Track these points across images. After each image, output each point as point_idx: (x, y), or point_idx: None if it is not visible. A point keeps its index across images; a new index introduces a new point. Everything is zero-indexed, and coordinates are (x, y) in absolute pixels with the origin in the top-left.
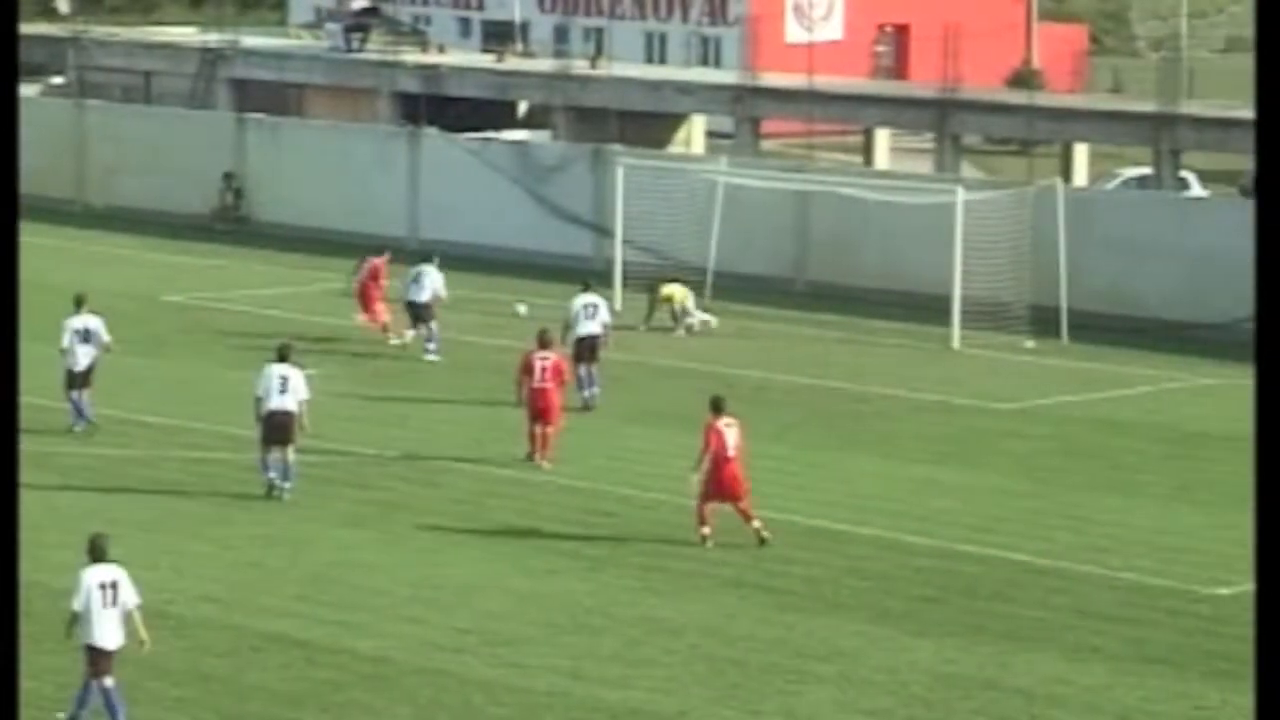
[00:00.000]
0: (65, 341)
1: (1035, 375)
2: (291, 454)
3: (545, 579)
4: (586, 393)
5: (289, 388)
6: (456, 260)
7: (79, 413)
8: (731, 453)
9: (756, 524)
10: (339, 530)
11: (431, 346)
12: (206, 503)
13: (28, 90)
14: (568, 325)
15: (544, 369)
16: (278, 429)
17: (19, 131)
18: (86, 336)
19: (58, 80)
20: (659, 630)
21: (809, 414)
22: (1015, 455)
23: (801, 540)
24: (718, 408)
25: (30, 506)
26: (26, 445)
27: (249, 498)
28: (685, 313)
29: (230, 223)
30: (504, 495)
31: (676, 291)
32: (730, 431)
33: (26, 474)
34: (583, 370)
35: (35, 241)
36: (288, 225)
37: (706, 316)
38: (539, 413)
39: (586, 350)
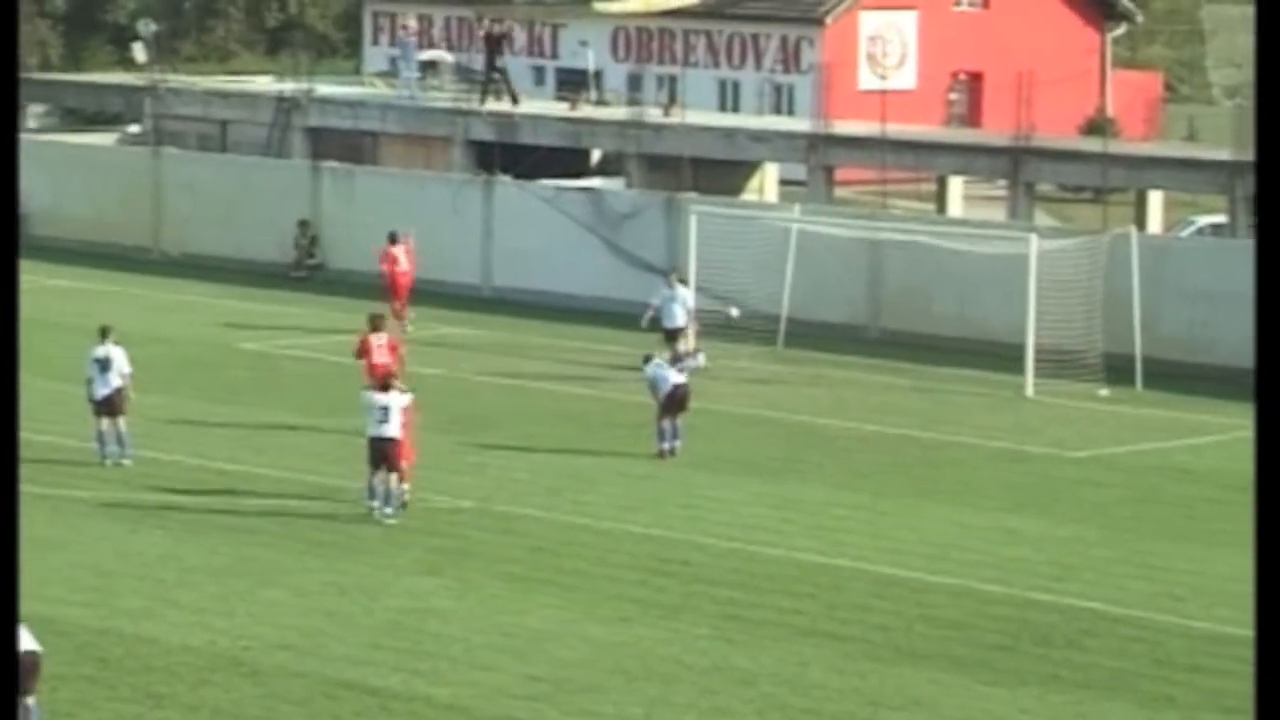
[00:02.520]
0: (89, 372)
1: (1109, 423)
2: (394, 480)
3: (619, 627)
4: (667, 444)
5: (389, 417)
6: (528, 308)
7: (103, 444)
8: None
9: (405, 487)
10: (413, 578)
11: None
12: (281, 550)
13: (104, 139)
14: (654, 384)
15: (379, 346)
16: (381, 455)
17: (18, 131)
18: (106, 365)
19: (134, 129)
20: (733, 679)
21: (883, 462)
22: (1090, 503)
23: (875, 589)
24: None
25: (101, 554)
26: (96, 493)
27: (324, 545)
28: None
29: (305, 270)
30: (578, 543)
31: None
32: (401, 401)
33: (96, 522)
34: (667, 423)
35: (110, 290)
36: (362, 273)
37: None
38: (381, 381)
39: (677, 402)
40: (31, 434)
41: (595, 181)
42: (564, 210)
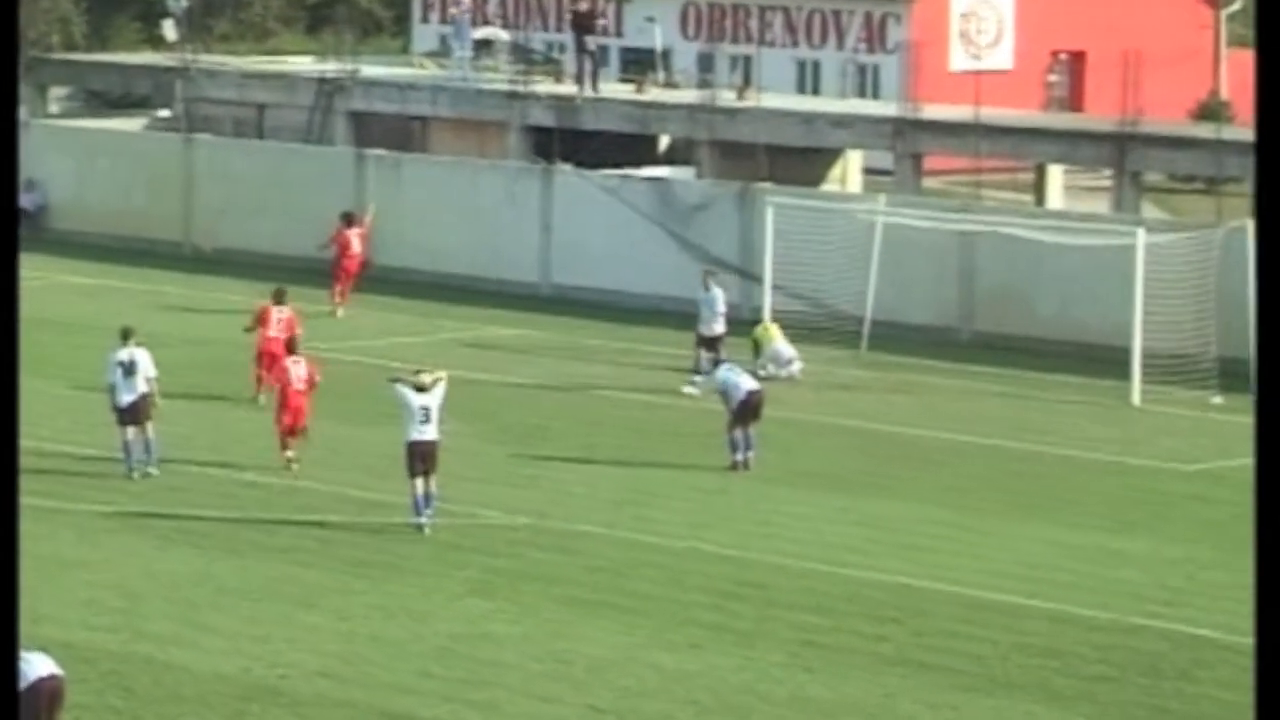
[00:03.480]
0: (111, 376)
1: (1223, 434)
2: (434, 483)
3: (688, 654)
4: (740, 455)
5: (431, 418)
6: (589, 307)
7: (129, 454)
8: (299, 386)
9: (291, 455)
10: (465, 600)
11: (699, 380)
12: (322, 570)
13: (131, 124)
14: (726, 390)
15: (279, 320)
16: (422, 459)
17: (18, 131)
18: (131, 369)
19: (164, 114)
20: (812, 711)
21: (975, 476)
22: (1201, 521)
23: (967, 614)
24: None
25: (128, 573)
26: (121, 508)
27: (368, 564)
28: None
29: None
30: (644, 563)
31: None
32: (296, 368)
33: (122, 538)
34: (739, 433)
35: (136, 288)
36: (410, 269)
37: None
38: (272, 359)
39: (750, 410)
40: (51, 444)
41: (663, 171)
42: (629, 201)
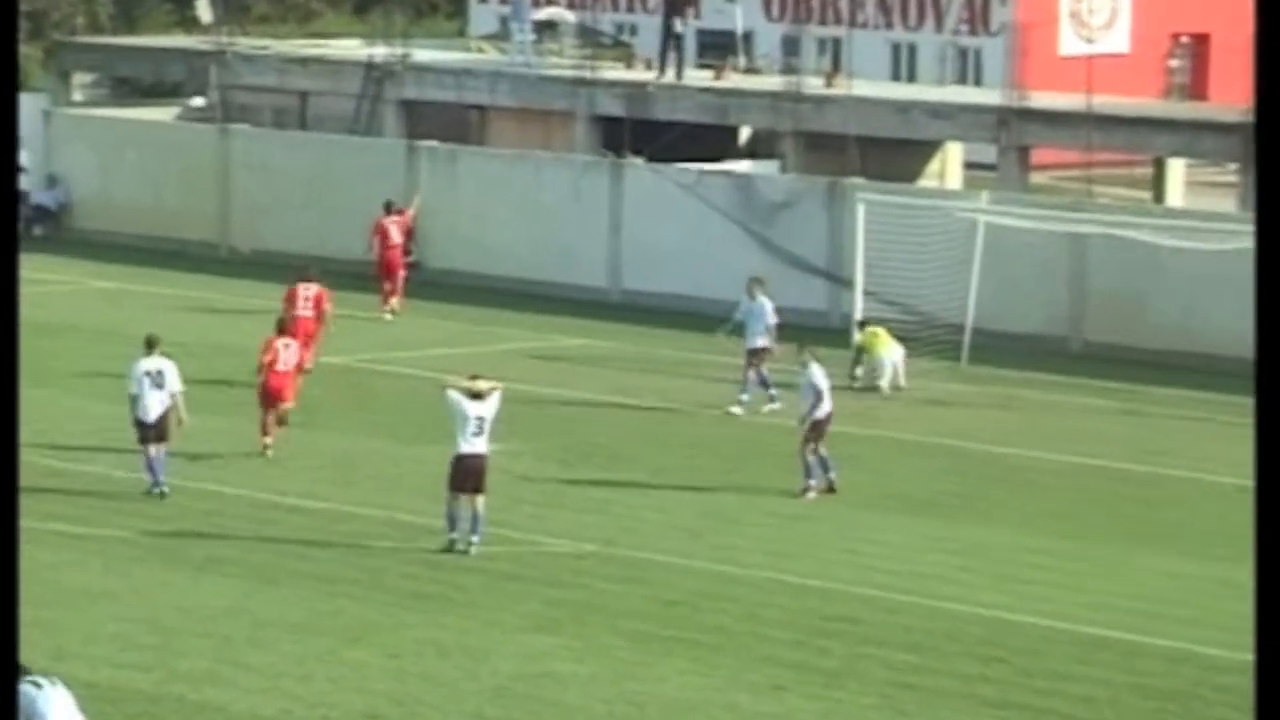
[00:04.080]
0: (134, 388)
1: None
2: (482, 505)
3: (770, 696)
4: (819, 480)
5: (484, 430)
6: (663, 315)
7: (154, 473)
8: (283, 368)
9: (269, 440)
10: (526, 636)
11: (745, 398)
12: (369, 602)
13: (162, 114)
14: (809, 416)
15: (306, 299)
16: (468, 475)
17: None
18: (159, 381)
19: (197, 102)
20: None
21: (1085, 500)
22: None
23: (1077, 652)
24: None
25: (158, 606)
26: (151, 534)
27: (420, 596)
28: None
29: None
30: (721, 595)
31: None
32: (287, 351)
33: (151, 568)
34: (812, 456)
35: (167, 293)
36: (466, 273)
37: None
38: (297, 336)
39: (825, 428)
40: (75, 463)
41: (744, 165)
42: (706, 199)
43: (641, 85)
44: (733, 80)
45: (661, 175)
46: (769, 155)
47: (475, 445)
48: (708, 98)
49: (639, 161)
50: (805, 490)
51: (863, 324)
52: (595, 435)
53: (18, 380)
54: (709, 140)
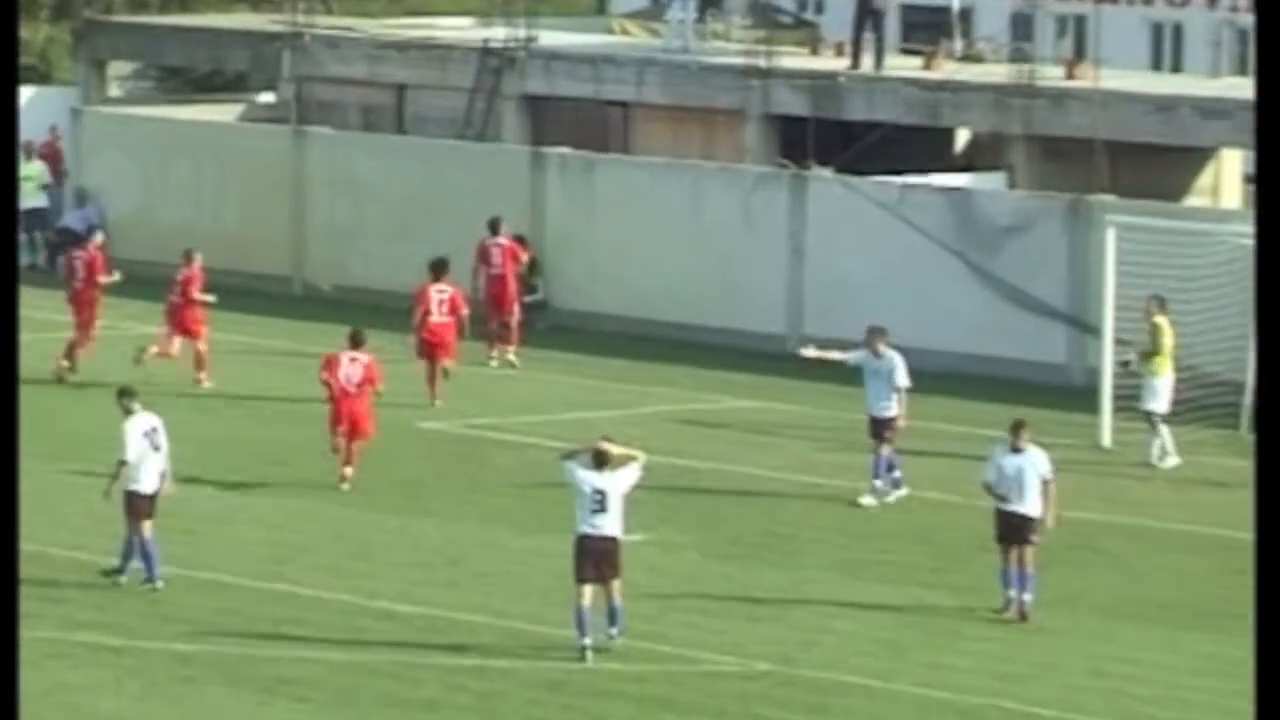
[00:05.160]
0: (130, 453)
1: None
2: (618, 593)
3: None
4: (1014, 593)
5: (609, 505)
6: (856, 369)
7: (145, 554)
8: (349, 388)
9: (348, 471)
10: None
11: (879, 484)
12: None
13: (222, 114)
14: (999, 493)
15: (441, 301)
16: (591, 559)
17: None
18: (156, 441)
19: (266, 98)
20: None
21: None
22: None
23: None
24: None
25: None
26: (200, 644)
27: None
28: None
29: (520, 311)
30: None
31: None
32: (352, 366)
33: (205, 692)
34: (1013, 561)
35: (229, 338)
36: (603, 314)
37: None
38: (432, 349)
39: (1015, 531)
40: (103, 555)
41: (961, 178)
42: (913, 221)
43: (830, 76)
44: (947, 70)
45: (855, 191)
46: (993, 166)
47: (599, 524)
48: (914, 92)
49: (826, 173)
50: (1006, 607)
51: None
52: (770, 523)
53: (17, 381)
54: (916, 147)
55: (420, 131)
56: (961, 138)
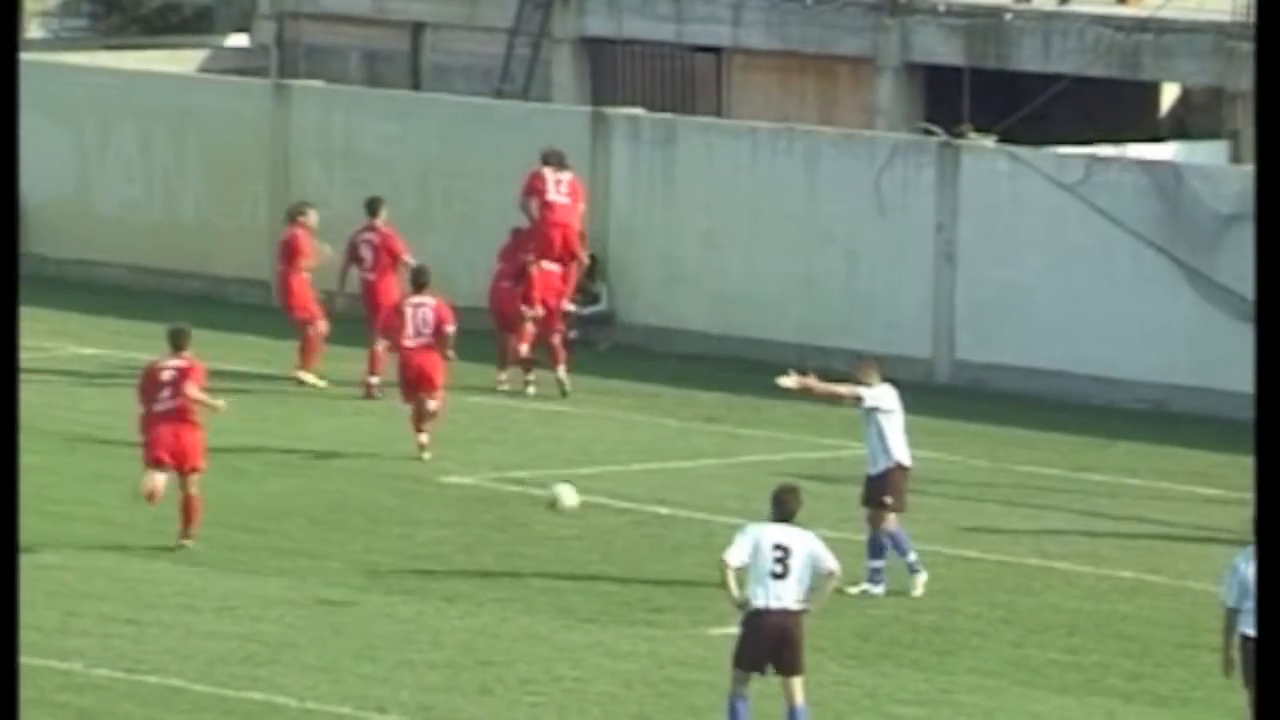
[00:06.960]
0: None
1: None
2: (799, 691)
3: None
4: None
5: (790, 569)
6: (1027, 403)
7: None
8: (412, 341)
9: (424, 439)
10: None
11: (878, 564)
12: None
13: (178, 62)
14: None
15: (558, 182)
16: (767, 641)
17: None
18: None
19: (238, 41)
20: None
21: None
22: None
23: None
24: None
25: None
26: None
27: None
28: None
29: (577, 324)
30: None
31: None
32: (420, 312)
33: None
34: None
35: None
36: (685, 332)
37: None
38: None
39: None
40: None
41: (1167, 149)
42: (1103, 207)
43: (993, 13)
44: (1150, 5)
45: (1025, 166)
46: (1211, 134)
47: (779, 595)
48: (1106, 34)
49: (987, 142)
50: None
51: None
52: (911, 611)
53: (17, 381)
54: (1108, 107)
55: (443, 86)
56: (1169, 95)
